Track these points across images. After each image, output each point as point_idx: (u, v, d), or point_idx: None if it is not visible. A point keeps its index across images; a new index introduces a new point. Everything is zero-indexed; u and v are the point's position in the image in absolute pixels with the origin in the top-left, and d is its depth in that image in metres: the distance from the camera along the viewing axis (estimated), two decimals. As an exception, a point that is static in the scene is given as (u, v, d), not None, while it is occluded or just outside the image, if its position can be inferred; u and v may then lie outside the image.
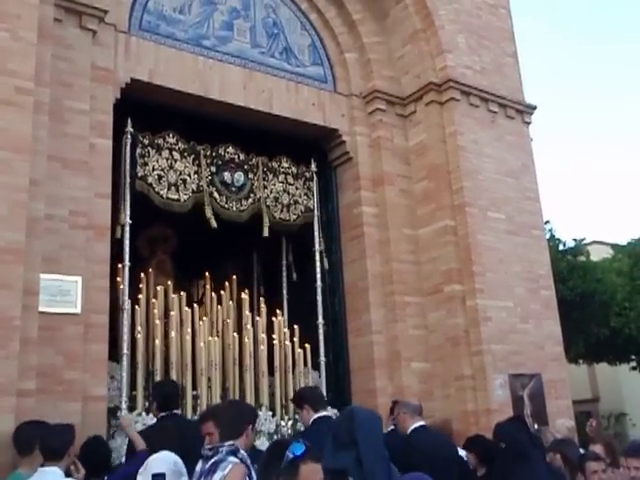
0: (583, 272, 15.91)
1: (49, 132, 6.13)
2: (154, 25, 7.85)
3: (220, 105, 8.08)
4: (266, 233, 8.21)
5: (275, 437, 7.25)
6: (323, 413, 4.97)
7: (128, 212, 7.24)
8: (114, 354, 7.01)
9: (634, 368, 19.39)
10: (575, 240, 17.49)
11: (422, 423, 5.11)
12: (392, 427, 5.92)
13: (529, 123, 9.88)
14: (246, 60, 8.44)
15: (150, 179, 7.49)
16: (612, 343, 17.68)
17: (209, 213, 7.72)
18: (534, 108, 9.94)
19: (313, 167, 8.95)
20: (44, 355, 5.70)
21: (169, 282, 8.58)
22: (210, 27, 8.32)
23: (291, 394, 7.81)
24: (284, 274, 9.42)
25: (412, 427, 5.04)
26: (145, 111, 7.52)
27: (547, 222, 16.23)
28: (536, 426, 8.00)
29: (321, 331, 8.47)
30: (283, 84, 8.67)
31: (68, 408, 5.73)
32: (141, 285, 8.06)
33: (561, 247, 16.84)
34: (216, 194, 7.97)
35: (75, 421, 5.57)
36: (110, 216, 6.85)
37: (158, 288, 8.11)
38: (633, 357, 19.13)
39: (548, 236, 14.69)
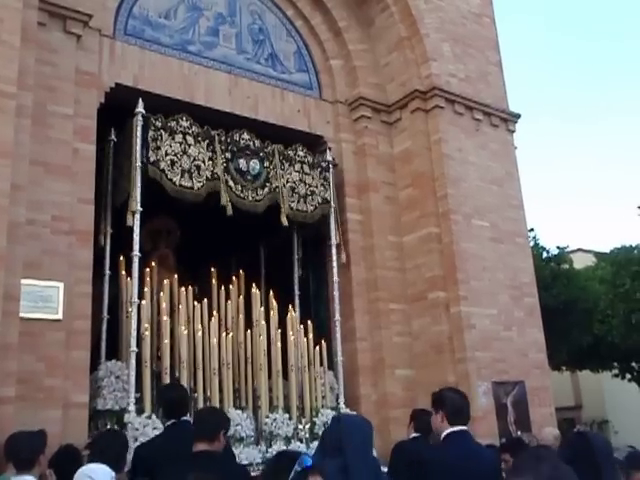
0: (566, 280, 16.06)
1: (32, 136, 6.07)
2: (139, 30, 7.82)
3: (204, 110, 8.03)
4: (285, 222, 7.87)
5: (292, 442, 7.07)
6: None
7: (139, 199, 6.87)
8: (118, 353, 6.86)
9: (617, 375, 19.54)
10: (559, 248, 17.66)
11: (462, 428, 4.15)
12: (415, 435, 5.69)
13: (513, 131, 9.94)
14: (232, 66, 8.43)
15: (162, 164, 7.09)
16: (595, 350, 17.84)
17: (224, 200, 7.32)
18: (518, 116, 10.00)
19: (329, 157, 8.75)
20: (24, 362, 5.62)
21: (173, 277, 8.02)
22: (196, 32, 8.30)
23: (307, 395, 7.59)
24: (295, 268, 8.97)
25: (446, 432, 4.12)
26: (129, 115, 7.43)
27: (531, 230, 16.40)
28: (519, 433, 8.03)
29: (338, 328, 8.23)
30: (268, 90, 8.66)
31: (48, 415, 5.65)
32: (148, 278, 7.57)
33: (545, 255, 16.99)
34: (231, 182, 7.59)
35: (56, 429, 5.54)
36: (93, 222, 6.78)
37: (165, 282, 7.58)
38: (616, 364, 19.30)
39: (532, 244, 14.81)
